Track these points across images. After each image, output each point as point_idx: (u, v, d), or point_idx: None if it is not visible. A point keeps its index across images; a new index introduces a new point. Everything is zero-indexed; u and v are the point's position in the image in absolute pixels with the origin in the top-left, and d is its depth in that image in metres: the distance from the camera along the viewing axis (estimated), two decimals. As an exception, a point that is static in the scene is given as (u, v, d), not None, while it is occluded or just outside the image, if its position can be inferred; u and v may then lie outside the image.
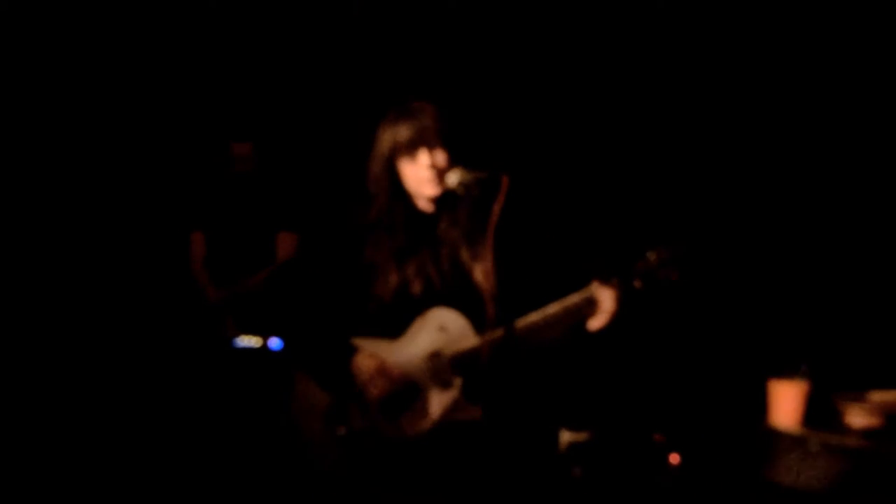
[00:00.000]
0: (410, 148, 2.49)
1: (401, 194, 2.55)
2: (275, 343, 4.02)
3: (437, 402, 2.49)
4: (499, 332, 2.41)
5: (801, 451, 2.82)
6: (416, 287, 2.53)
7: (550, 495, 3.33)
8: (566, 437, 3.40)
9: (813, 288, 3.65)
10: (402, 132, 2.49)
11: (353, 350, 2.51)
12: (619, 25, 4.17)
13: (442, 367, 2.49)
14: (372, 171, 2.57)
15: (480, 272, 2.52)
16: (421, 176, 2.50)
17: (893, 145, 3.71)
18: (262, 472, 3.78)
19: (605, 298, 2.44)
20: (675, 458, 3.33)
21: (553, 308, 2.45)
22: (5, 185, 4.52)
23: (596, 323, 2.46)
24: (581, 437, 3.41)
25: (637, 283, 2.46)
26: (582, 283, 2.49)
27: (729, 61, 3.98)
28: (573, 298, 2.46)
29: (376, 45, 4.50)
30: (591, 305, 2.45)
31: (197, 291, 4.29)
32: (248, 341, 4.09)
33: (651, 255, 2.44)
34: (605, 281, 2.45)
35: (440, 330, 2.50)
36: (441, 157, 2.49)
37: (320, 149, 4.63)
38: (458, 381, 2.49)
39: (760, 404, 3.03)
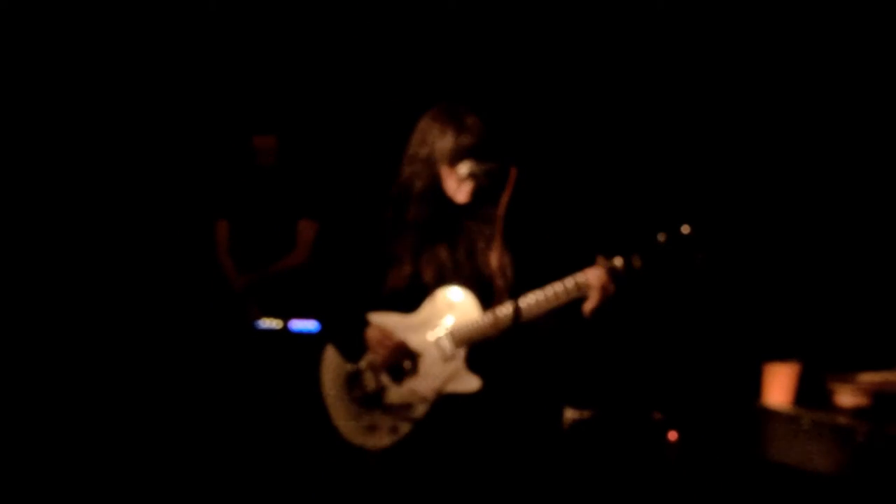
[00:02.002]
0: (458, 160, 2.58)
1: (437, 193, 2.65)
2: (295, 325, 4.13)
3: (440, 370, 2.65)
4: (504, 309, 2.55)
5: (793, 429, 2.90)
6: (428, 275, 2.67)
7: (553, 470, 3.42)
8: (570, 414, 3.48)
9: (806, 274, 3.68)
10: (452, 141, 2.58)
11: (366, 323, 2.70)
12: (628, 17, 4.19)
13: (446, 339, 2.65)
14: (408, 168, 2.67)
15: (495, 259, 2.63)
16: (460, 187, 2.62)
17: (878, 132, 3.72)
18: (285, 449, 3.88)
19: (594, 278, 2.51)
20: (673, 436, 3.39)
21: (553, 287, 2.54)
22: (33, 175, 4.58)
23: (589, 304, 2.53)
24: (584, 414, 3.49)
25: (636, 263, 2.52)
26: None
27: (734, 57, 4.01)
28: (570, 279, 2.54)
29: (395, 41, 4.53)
30: (584, 289, 2.53)
31: (222, 277, 4.37)
32: (269, 324, 4.17)
33: (660, 237, 2.50)
34: (603, 261, 2.53)
35: (448, 305, 2.66)
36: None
37: (340, 141, 4.68)
38: (460, 353, 2.64)
39: (755, 384, 3.14)
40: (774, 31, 3.92)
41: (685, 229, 2.45)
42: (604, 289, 2.52)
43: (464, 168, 2.57)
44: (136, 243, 4.71)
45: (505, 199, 2.46)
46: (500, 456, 2.66)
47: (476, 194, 2.62)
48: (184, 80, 4.74)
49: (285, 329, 4.11)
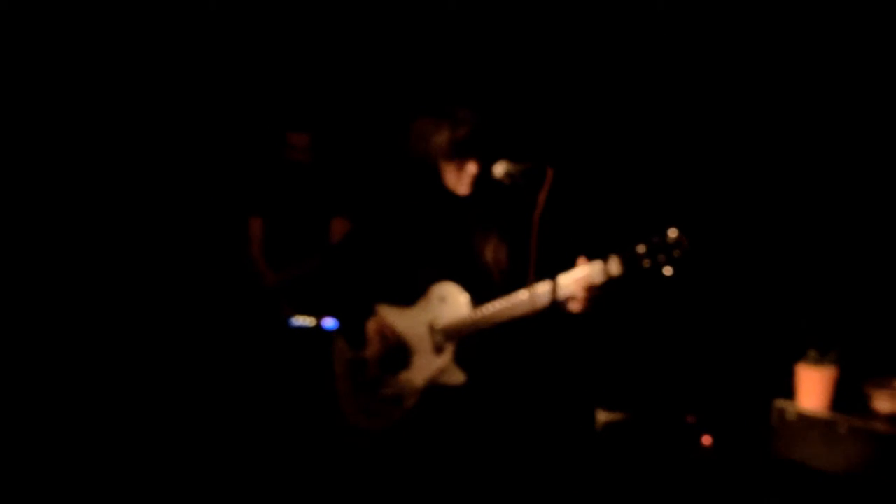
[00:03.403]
0: (457, 155, 2.68)
1: (435, 187, 2.74)
2: (328, 323, 4.14)
3: (429, 363, 2.75)
4: (493, 305, 2.61)
5: (828, 435, 2.90)
6: (426, 270, 2.77)
7: (582, 472, 3.43)
8: (602, 416, 3.49)
9: (844, 274, 3.64)
10: (448, 134, 2.66)
11: (371, 313, 2.83)
12: (646, 21, 4.18)
13: (436, 333, 2.74)
14: (410, 164, 2.76)
15: (490, 254, 2.75)
16: (460, 178, 2.71)
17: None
18: (314, 442, 3.92)
19: (578, 280, 2.49)
20: (707, 440, 3.39)
21: (542, 286, 2.53)
22: (72, 167, 4.61)
23: (574, 305, 2.54)
24: (617, 417, 3.50)
25: (616, 268, 2.45)
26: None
27: (745, 57, 3.98)
28: (561, 276, 2.52)
29: (427, 41, 4.55)
30: (573, 285, 2.50)
31: (255, 274, 4.40)
32: (302, 321, 4.21)
33: (639, 249, 2.43)
34: (585, 262, 2.52)
35: (440, 300, 2.75)
36: (476, 165, 2.69)
37: (374, 140, 4.67)
38: (450, 347, 2.73)
39: (790, 388, 3.12)
40: (771, 32, 3.91)
41: (672, 233, 2.41)
42: (589, 290, 2.50)
43: (499, 168, 2.62)
44: (171, 240, 4.75)
45: (542, 199, 2.48)
46: (502, 453, 2.73)
47: (504, 191, 2.66)
48: (220, 76, 4.78)
49: (318, 326, 4.15)
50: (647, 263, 2.41)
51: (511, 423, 2.75)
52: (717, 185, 3.99)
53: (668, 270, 2.41)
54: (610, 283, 2.48)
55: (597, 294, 2.51)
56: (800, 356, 3.07)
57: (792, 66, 3.88)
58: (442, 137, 2.67)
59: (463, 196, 2.73)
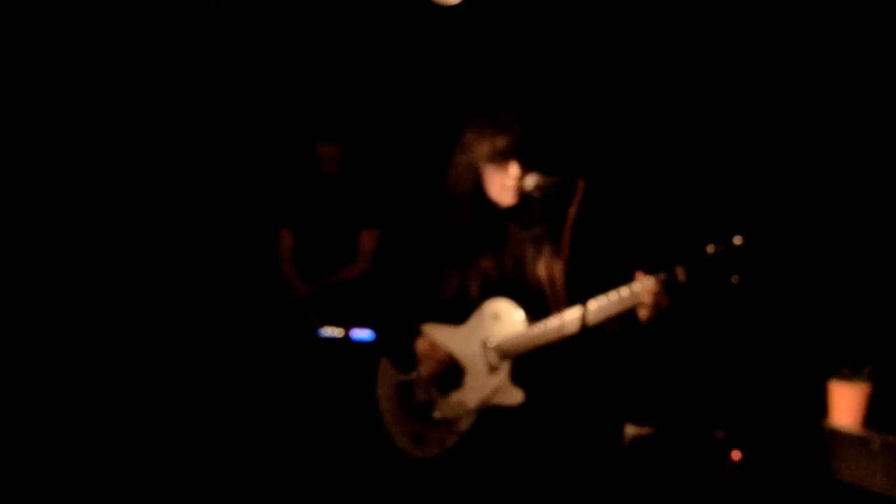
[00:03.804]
0: (500, 158, 2.60)
1: (481, 197, 2.67)
2: (356, 334, 4.16)
3: (484, 383, 2.66)
4: (550, 321, 2.54)
5: (862, 451, 2.88)
6: (475, 286, 2.69)
7: (610, 487, 3.39)
8: (630, 430, 3.47)
9: (877, 289, 3.61)
10: (494, 142, 2.60)
11: (418, 333, 2.75)
12: (671, 33, 4.17)
13: (490, 351, 2.66)
14: (454, 174, 2.69)
15: (543, 269, 2.64)
16: (506, 185, 2.62)
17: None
18: (343, 452, 3.91)
19: (644, 290, 2.44)
20: (737, 455, 3.35)
21: (607, 297, 2.49)
22: (98, 183, 4.63)
23: (642, 314, 2.47)
24: (645, 431, 3.47)
25: (681, 276, 2.43)
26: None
27: (779, 70, 3.95)
28: (617, 292, 2.49)
29: (456, 52, 4.54)
30: (635, 299, 2.46)
31: (285, 285, 4.42)
32: (331, 332, 4.19)
33: (709, 249, 2.41)
34: (649, 273, 2.46)
35: (494, 318, 2.67)
36: (519, 168, 2.61)
37: (403, 151, 4.70)
38: (505, 366, 2.64)
39: (822, 403, 3.09)
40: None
41: (737, 240, 2.38)
42: (657, 300, 2.45)
43: (530, 182, 2.58)
44: (201, 251, 4.76)
45: (573, 212, 2.47)
46: (551, 470, 2.64)
47: (536, 204, 2.62)
48: (251, 88, 4.79)
49: (347, 338, 4.14)
50: (714, 272, 2.39)
51: (559, 440, 2.67)
52: (746, 199, 3.96)
53: (734, 279, 2.38)
54: (678, 290, 2.44)
55: (665, 304, 2.45)
56: (832, 371, 3.04)
57: (836, 90, 3.83)
58: (484, 144, 2.61)
59: (509, 206, 2.65)
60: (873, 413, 3.01)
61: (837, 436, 2.98)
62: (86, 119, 4.58)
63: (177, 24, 4.58)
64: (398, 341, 2.80)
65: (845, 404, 3.03)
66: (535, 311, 2.63)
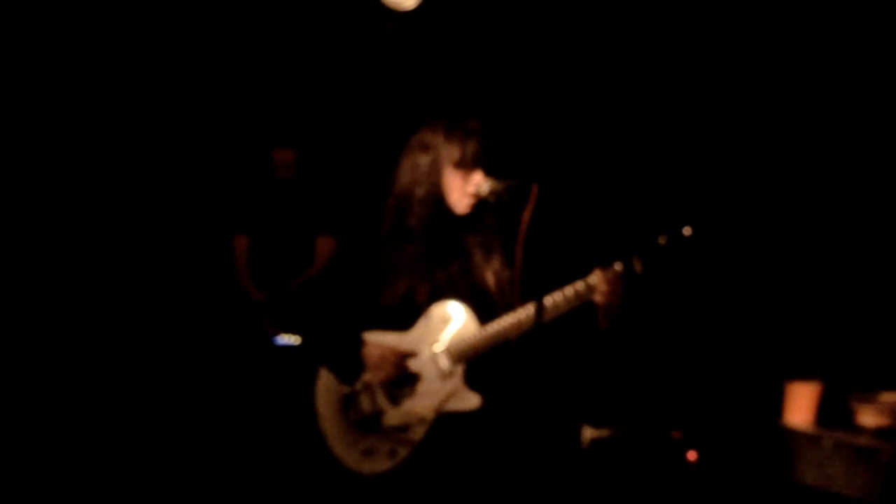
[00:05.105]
0: (467, 165, 2.59)
1: (438, 201, 2.64)
2: (281, 339, 4.13)
3: (438, 389, 2.60)
4: (501, 322, 2.52)
5: (814, 450, 2.87)
6: (423, 291, 2.64)
7: (568, 490, 3.38)
8: (588, 433, 3.45)
9: (829, 290, 3.64)
10: (464, 148, 2.59)
11: (362, 342, 2.66)
12: (624, 28, 4.19)
13: (443, 355, 2.60)
14: (414, 174, 2.65)
15: (492, 276, 2.64)
16: (466, 192, 2.61)
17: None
18: (290, 463, 3.88)
19: (600, 282, 2.44)
20: (692, 455, 3.36)
21: (555, 296, 2.48)
22: (49, 187, 4.58)
23: (599, 305, 2.46)
24: (603, 433, 3.46)
25: (637, 266, 2.44)
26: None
27: (733, 58, 3.97)
28: (574, 286, 2.49)
29: (413, 57, 4.55)
30: (591, 292, 2.46)
31: (240, 292, 4.37)
32: (287, 339, 4.16)
33: (661, 240, 2.43)
34: (605, 266, 2.47)
35: (443, 321, 2.62)
36: (482, 178, 2.61)
37: (360, 156, 4.67)
38: (458, 370, 2.59)
39: (776, 403, 3.09)
40: (779, 31, 3.90)
41: (687, 231, 2.41)
42: (612, 292, 2.45)
43: (484, 186, 2.58)
44: (155, 257, 4.70)
45: (527, 216, 2.46)
46: (509, 476, 2.61)
47: (489, 209, 2.62)
48: (205, 92, 4.74)
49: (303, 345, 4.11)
50: (668, 262, 2.40)
51: (515, 445, 2.63)
52: (697, 197, 3.98)
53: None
54: (634, 281, 2.44)
55: (620, 296, 2.45)
56: (788, 370, 3.06)
57: (787, 80, 3.86)
58: (452, 148, 2.59)
59: (461, 214, 2.63)
60: (826, 411, 3.03)
61: (791, 435, 2.99)
62: (33, 122, 4.53)
63: (127, 25, 4.53)
64: (340, 351, 2.71)
65: (799, 402, 3.05)
66: (484, 316, 2.61)
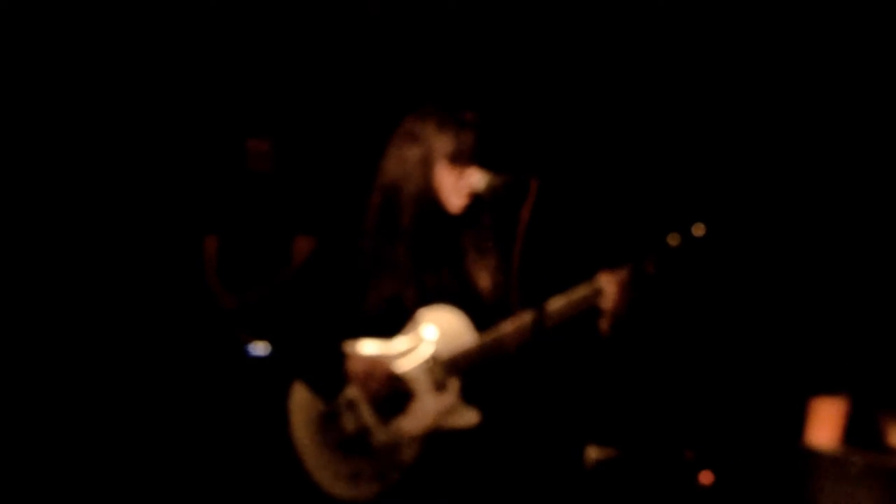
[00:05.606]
0: (462, 159, 2.47)
1: (429, 197, 2.50)
2: (254, 349, 4.11)
3: (431, 404, 2.46)
4: (503, 328, 2.42)
5: (840, 472, 2.73)
6: (410, 298, 2.50)
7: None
8: (593, 453, 3.38)
9: (854, 295, 3.61)
10: (459, 141, 2.47)
11: (343, 355, 2.50)
12: (625, 26, 4.17)
13: (436, 368, 2.47)
14: (404, 168, 2.51)
15: (486, 278, 2.52)
16: (459, 187, 2.48)
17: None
18: (266, 480, 3.77)
19: (609, 285, 2.39)
20: (706, 477, 3.28)
21: (558, 301, 2.41)
22: (10, 188, 4.50)
23: (606, 311, 2.40)
24: (608, 453, 3.38)
25: (650, 268, 2.40)
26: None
27: (742, 57, 3.97)
28: (579, 290, 2.42)
29: (397, 45, 4.48)
30: (598, 296, 2.41)
31: (210, 298, 4.31)
32: (262, 349, 4.10)
33: (671, 240, 2.39)
34: (613, 269, 2.41)
35: (434, 329, 2.49)
36: (478, 173, 2.49)
37: (342, 148, 4.58)
38: (454, 383, 2.46)
39: (797, 421, 2.95)
40: (800, 23, 3.90)
41: (699, 229, 2.37)
42: (621, 296, 2.39)
43: (480, 182, 2.45)
44: (114, 258, 4.60)
45: (526, 214, 2.33)
46: (508, 500, 2.50)
47: (485, 206, 2.50)
48: (173, 77, 4.65)
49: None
50: (680, 263, 2.37)
51: (515, 466, 2.53)
52: (711, 192, 3.94)
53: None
54: (645, 283, 2.41)
55: (630, 298, 2.39)
56: (811, 386, 2.94)
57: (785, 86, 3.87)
58: (445, 140, 2.46)
59: (455, 212, 2.49)
60: (853, 430, 2.91)
61: (815, 456, 2.86)
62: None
63: (98, 15, 4.46)
64: (319, 363, 2.53)
65: (823, 420, 2.93)
66: (478, 324, 2.48)
